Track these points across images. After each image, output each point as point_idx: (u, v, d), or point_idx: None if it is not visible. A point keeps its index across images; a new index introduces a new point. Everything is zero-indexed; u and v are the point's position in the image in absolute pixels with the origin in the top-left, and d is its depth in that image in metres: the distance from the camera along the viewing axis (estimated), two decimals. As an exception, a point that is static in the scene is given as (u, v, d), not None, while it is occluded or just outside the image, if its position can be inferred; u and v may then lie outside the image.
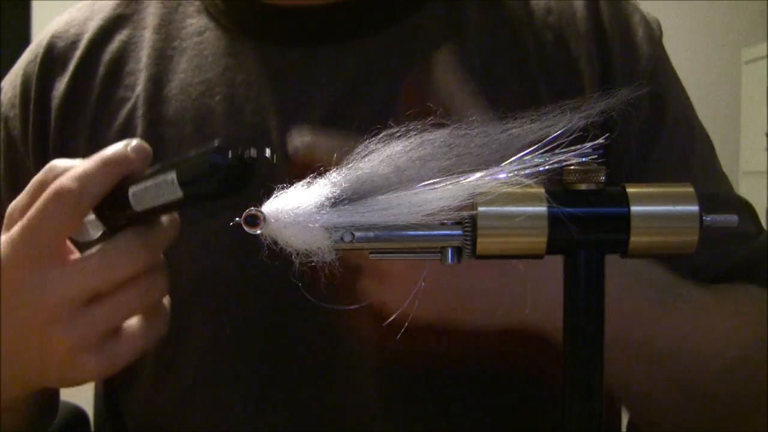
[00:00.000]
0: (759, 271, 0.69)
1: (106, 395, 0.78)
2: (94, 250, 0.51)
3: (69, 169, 0.51)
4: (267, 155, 0.45)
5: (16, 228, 0.51)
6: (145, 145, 0.52)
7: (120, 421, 0.75)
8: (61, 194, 0.49)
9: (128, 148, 0.51)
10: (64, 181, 0.50)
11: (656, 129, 0.69)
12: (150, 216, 0.51)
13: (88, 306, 0.51)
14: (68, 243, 0.52)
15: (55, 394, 0.74)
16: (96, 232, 0.54)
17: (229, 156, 0.45)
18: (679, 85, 0.74)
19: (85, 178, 0.50)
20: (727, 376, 0.62)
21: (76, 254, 0.52)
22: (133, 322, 0.54)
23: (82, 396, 0.95)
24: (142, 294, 0.52)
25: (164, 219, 0.53)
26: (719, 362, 0.62)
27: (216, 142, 0.45)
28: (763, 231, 0.72)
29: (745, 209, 0.72)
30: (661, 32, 0.73)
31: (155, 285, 0.53)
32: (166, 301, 0.57)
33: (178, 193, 0.47)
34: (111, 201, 0.51)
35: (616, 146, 0.68)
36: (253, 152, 0.45)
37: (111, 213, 0.52)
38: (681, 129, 0.71)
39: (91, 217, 0.53)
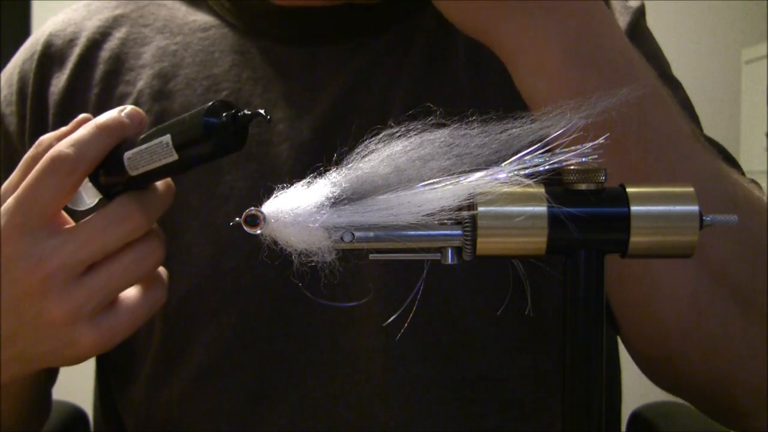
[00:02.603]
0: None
1: (102, 395, 0.78)
2: (88, 217, 0.51)
3: (59, 138, 0.51)
4: (262, 113, 0.44)
5: (11, 198, 0.50)
6: (139, 110, 0.52)
7: (117, 420, 0.74)
8: (57, 161, 0.49)
9: (122, 114, 0.51)
10: (59, 147, 0.49)
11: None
12: (146, 181, 0.51)
13: (83, 275, 0.50)
14: (63, 213, 0.52)
15: (48, 393, 0.73)
16: (92, 200, 0.54)
17: (223, 117, 0.45)
18: (659, 56, 0.73)
19: (80, 144, 0.49)
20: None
21: (71, 223, 0.52)
22: (130, 292, 0.53)
23: (82, 396, 0.95)
24: (138, 261, 0.51)
25: (159, 185, 0.53)
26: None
27: (209, 104, 0.46)
28: (739, 170, 0.69)
29: (731, 159, 0.70)
30: (641, 5, 0.73)
31: (151, 252, 0.52)
32: (163, 270, 0.56)
33: (173, 156, 0.47)
34: (107, 167, 0.51)
35: None
36: (247, 112, 0.45)
37: (107, 179, 0.52)
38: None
39: (88, 184, 0.52)
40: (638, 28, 0.72)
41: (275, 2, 0.70)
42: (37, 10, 2.58)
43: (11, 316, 0.51)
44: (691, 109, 0.72)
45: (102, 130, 0.50)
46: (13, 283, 0.50)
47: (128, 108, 0.52)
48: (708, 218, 0.40)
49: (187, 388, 0.68)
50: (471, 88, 0.68)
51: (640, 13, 0.73)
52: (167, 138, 0.47)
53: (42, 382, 0.70)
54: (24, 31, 2.54)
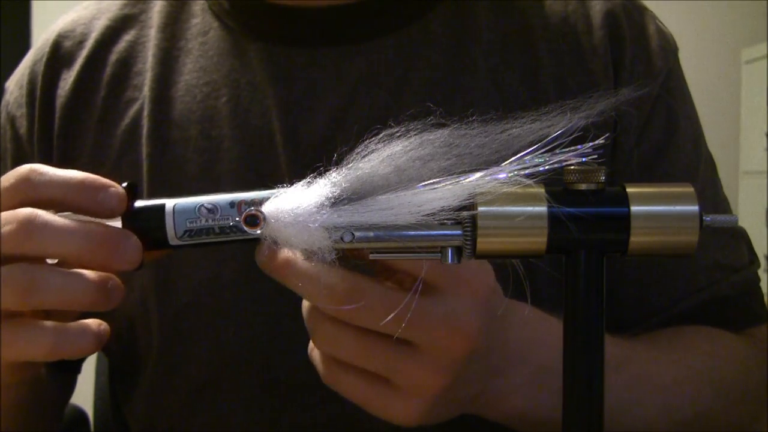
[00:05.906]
0: (734, 309, 0.69)
1: (113, 401, 0.77)
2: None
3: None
4: None
5: None
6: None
7: (125, 426, 0.74)
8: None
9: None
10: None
11: (666, 142, 0.69)
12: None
13: None
14: None
15: (54, 405, 0.73)
16: None
17: None
18: (691, 104, 0.73)
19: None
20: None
21: None
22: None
23: (82, 396, 0.95)
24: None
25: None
26: (669, 420, 0.61)
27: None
28: (756, 261, 0.72)
29: (740, 237, 0.71)
30: (676, 46, 0.73)
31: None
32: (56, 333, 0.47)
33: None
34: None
35: (622, 150, 0.68)
36: None
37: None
38: (689, 147, 0.70)
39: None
40: (673, 74, 0.71)
41: (274, 2, 0.69)
42: (37, 10, 2.58)
43: None
44: (713, 181, 0.73)
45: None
46: None
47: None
48: (708, 218, 0.40)
49: (186, 400, 0.67)
50: (488, 98, 0.67)
51: (675, 58, 0.72)
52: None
53: (41, 393, 0.68)
54: (24, 31, 2.54)
